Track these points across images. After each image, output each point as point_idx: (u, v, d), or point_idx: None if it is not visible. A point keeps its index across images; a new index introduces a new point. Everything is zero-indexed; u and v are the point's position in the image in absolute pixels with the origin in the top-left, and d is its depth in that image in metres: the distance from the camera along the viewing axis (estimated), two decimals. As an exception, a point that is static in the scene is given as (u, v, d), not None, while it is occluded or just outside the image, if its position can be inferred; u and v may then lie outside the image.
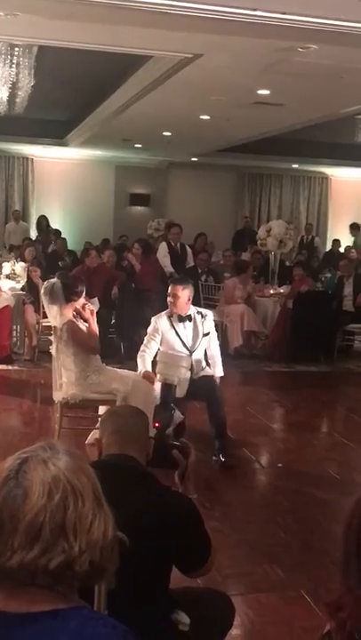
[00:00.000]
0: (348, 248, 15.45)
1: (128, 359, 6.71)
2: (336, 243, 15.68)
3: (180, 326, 5.33)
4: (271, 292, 10.27)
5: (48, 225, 15.16)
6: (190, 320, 5.35)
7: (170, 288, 5.37)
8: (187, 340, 5.32)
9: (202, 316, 5.38)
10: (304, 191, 17.96)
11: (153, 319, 5.47)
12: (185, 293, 5.30)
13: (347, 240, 16.33)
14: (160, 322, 5.38)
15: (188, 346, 5.31)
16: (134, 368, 5.46)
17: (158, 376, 5.08)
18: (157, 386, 5.18)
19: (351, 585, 1.60)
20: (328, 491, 4.98)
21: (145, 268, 10.03)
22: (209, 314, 5.51)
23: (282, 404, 7.51)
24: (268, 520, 4.49)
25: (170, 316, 5.36)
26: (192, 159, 15.86)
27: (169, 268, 10.50)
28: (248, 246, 13.66)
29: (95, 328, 5.16)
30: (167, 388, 4.54)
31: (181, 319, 5.33)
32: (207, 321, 5.41)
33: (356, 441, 6.21)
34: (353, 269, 10.11)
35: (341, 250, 15.24)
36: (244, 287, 9.70)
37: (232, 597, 2.73)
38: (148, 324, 5.54)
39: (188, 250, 11.18)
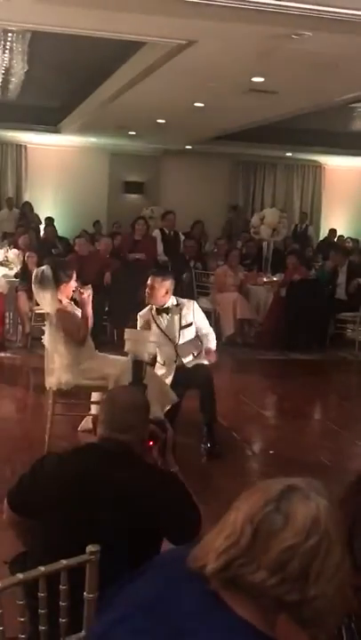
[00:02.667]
0: (341, 238, 15.45)
1: (121, 346, 6.71)
2: (332, 232, 15.66)
3: (159, 319, 5.34)
4: (264, 279, 10.29)
5: (32, 210, 15.10)
6: (168, 313, 5.35)
7: (149, 279, 5.34)
8: (168, 332, 5.33)
9: (178, 307, 5.36)
10: (298, 179, 17.93)
11: (138, 316, 5.48)
12: (163, 285, 5.27)
13: (342, 229, 16.31)
14: (144, 317, 5.42)
15: (170, 337, 5.33)
16: (126, 354, 5.45)
17: (129, 355, 5.07)
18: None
19: None
20: (320, 478, 4.90)
21: (145, 240, 10.08)
22: (185, 303, 5.45)
23: (274, 391, 7.54)
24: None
25: (151, 310, 5.38)
26: (186, 147, 15.80)
27: (162, 257, 10.54)
28: (242, 234, 13.66)
29: (89, 314, 5.14)
30: (137, 364, 4.54)
31: (159, 312, 5.34)
32: (183, 311, 5.37)
33: (348, 428, 6.25)
34: (346, 258, 10.11)
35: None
36: (235, 274, 9.70)
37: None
38: (142, 306, 5.55)
39: (181, 237, 11.25)
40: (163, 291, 5.27)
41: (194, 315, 5.44)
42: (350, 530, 1.68)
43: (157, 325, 5.32)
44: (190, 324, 5.40)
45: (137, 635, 1.32)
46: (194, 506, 2.31)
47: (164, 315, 5.34)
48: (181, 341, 5.36)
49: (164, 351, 5.33)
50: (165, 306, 5.33)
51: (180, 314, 5.35)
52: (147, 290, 5.33)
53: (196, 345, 5.47)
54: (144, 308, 5.53)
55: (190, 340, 5.42)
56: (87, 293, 5.12)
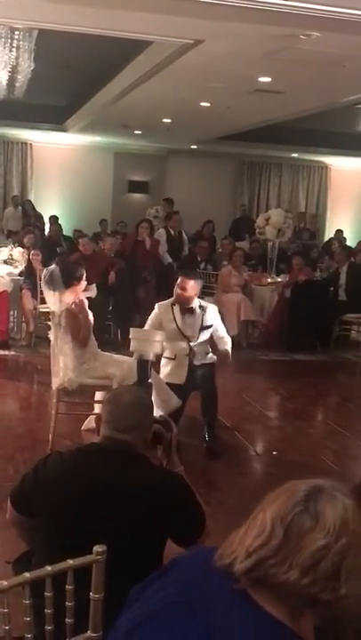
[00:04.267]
0: (332, 240, 15.35)
1: (124, 345, 6.72)
2: (339, 232, 15.61)
3: (179, 318, 5.36)
4: (269, 280, 10.27)
5: (33, 208, 15.10)
6: (192, 313, 5.39)
7: (179, 279, 5.38)
8: (185, 330, 5.35)
9: (202, 309, 5.42)
10: (303, 180, 17.93)
11: (156, 306, 5.51)
12: (195, 287, 5.37)
13: (348, 230, 16.25)
14: (162, 310, 5.43)
15: (186, 335, 5.35)
16: (130, 353, 5.46)
17: (135, 354, 5.09)
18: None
19: None
20: (323, 479, 5.00)
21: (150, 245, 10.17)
22: (209, 307, 5.55)
23: (278, 392, 7.53)
24: (263, 507, 4.50)
25: (172, 305, 5.40)
26: (191, 147, 15.81)
27: (167, 258, 10.53)
28: (246, 235, 13.65)
29: (88, 314, 5.13)
30: (142, 364, 4.54)
31: (184, 311, 5.37)
32: (207, 314, 5.45)
33: (351, 429, 6.24)
34: (348, 259, 10.08)
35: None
36: (240, 274, 9.67)
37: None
38: (141, 306, 5.57)
39: (185, 237, 11.25)
40: (194, 293, 5.36)
41: (214, 318, 5.52)
42: None
43: (175, 322, 5.34)
44: (210, 327, 5.46)
45: (171, 628, 1.35)
46: (199, 506, 2.30)
47: (188, 314, 5.38)
48: (200, 341, 5.39)
49: (177, 346, 5.33)
50: (191, 306, 5.37)
51: (203, 316, 5.41)
52: (177, 290, 5.35)
53: (207, 350, 5.53)
54: (144, 306, 5.55)
55: (204, 342, 5.45)
56: (92, 294, 5.11)
